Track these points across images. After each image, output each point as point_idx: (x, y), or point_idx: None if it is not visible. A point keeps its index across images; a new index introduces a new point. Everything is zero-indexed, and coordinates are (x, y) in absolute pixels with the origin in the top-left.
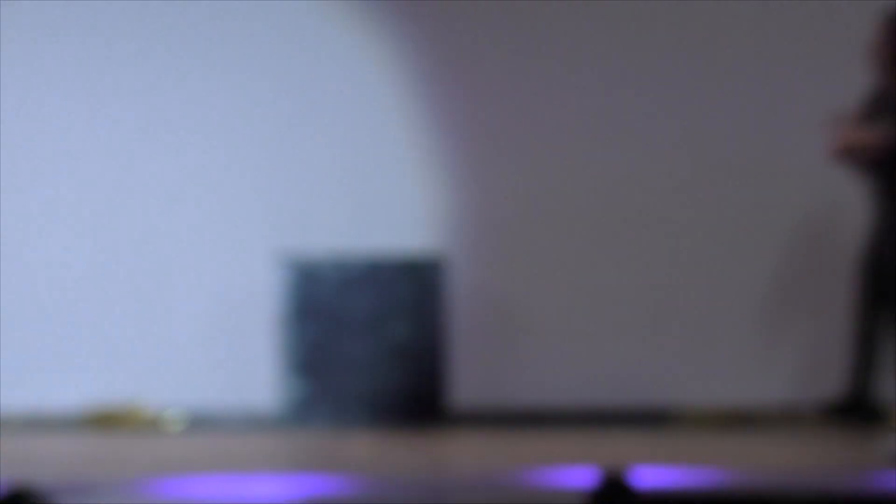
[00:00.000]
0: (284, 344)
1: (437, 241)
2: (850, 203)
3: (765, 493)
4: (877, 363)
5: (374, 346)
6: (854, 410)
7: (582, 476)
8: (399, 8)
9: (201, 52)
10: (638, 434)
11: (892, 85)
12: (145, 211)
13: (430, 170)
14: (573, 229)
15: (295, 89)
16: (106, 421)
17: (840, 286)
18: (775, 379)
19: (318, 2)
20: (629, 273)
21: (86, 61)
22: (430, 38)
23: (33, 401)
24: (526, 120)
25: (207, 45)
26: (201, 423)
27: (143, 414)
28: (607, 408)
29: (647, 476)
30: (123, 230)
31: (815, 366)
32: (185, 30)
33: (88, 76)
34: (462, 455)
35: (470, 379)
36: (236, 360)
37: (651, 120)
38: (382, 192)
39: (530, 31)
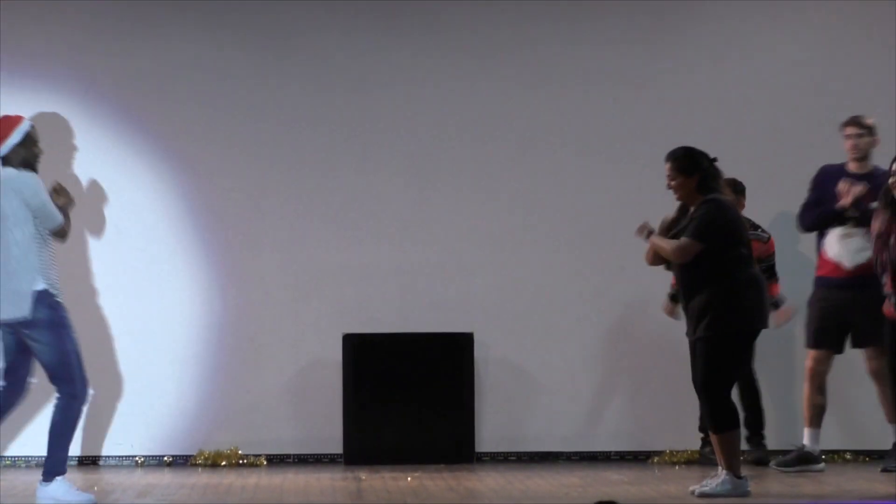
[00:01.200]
0: (349, 401)
1: (467, 321)
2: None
3: None
4: None
5: (418, 403)
6: None
7: None
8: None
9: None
10: (623, 471)
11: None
12: (245, 297)
13: (461, 267)
14: (576, 312)
15: (356, 208)
16: (215, 459)
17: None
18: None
19: None
20: (617, 347)
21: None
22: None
23: (159, 444)
24: (535, 226)
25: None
26: (281, 462)
27: (238, 454)
28: (600, 451)
29: None
30: (230, 313)
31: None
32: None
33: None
34: (487, 488)
35: (493, 428)
36: (310, 413)
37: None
38: (424, 283)
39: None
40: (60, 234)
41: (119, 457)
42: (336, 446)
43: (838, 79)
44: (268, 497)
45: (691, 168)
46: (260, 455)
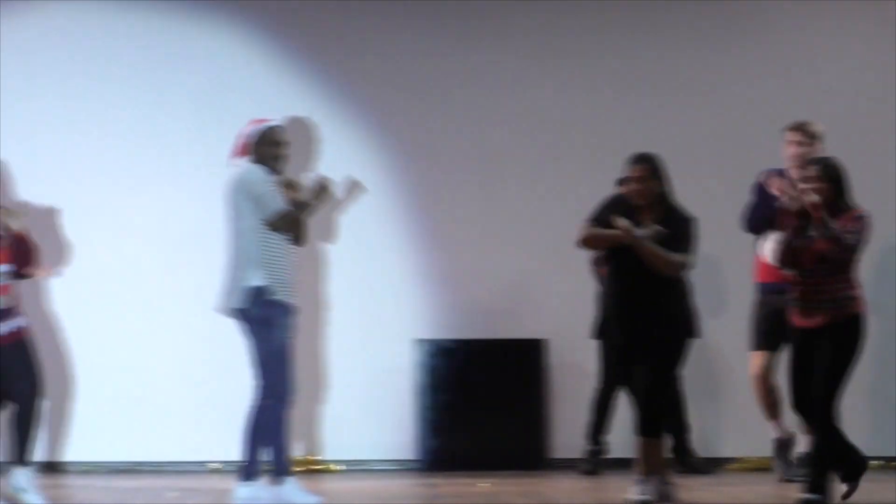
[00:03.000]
0: (422, 407)
1: (540, 327)
2: None
3: None
4: None
5: (491, 409)
6: None
7: None
8: None
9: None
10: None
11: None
12: (318, 302)
13: (536, 272)
14: None
15: (429, 214)
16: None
17: None
18: None
19: None
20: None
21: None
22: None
23: (235, 450)
24: None
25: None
26: (355, 468)
27: (313, 460)
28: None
29: None
30: (305, 319)
31: None
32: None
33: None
34: (561, 494)
35: (566, 434)
36: (383, 419)
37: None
38: (497, 289)
39: None
40: (296, 238)
41: (197, 462)
42: (409, 452)
43: None
44: (342, 502)
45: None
46: (334, 461)
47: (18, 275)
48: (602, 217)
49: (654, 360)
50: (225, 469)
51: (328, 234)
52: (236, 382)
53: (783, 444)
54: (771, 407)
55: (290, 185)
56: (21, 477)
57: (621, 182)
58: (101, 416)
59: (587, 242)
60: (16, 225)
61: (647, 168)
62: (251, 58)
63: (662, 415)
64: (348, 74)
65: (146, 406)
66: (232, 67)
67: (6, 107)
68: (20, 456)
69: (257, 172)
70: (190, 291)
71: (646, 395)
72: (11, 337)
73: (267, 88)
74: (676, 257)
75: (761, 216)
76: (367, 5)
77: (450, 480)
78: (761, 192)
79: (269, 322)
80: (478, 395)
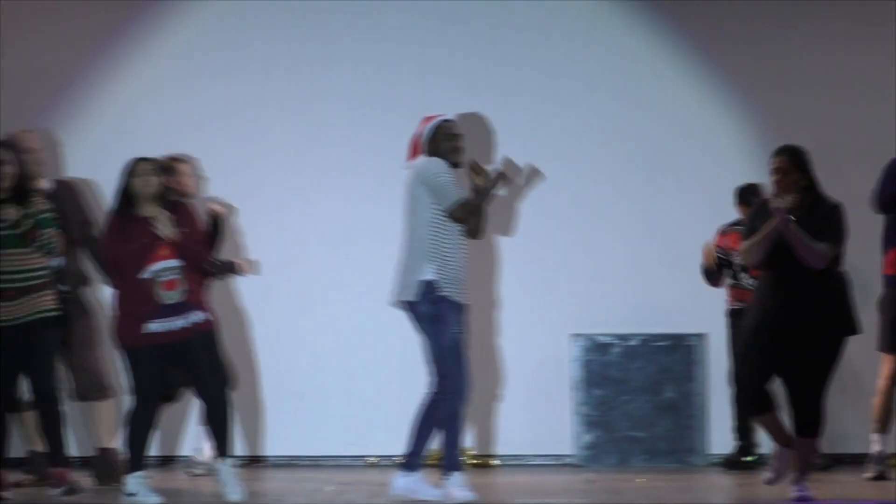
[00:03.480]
0: (579, 402)
1: (698, 322)
2: None
3: None
4: None
5: (649, 404)
6: None
7: None
8: None
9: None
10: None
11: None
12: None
13: (693, 266)
14: None
15: (582, 209)
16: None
17: None
18: None
19: None
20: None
21: None
22: None
23: (391, 444)
24: None
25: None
26: (512, 462)
27: (470, 454)
28: (847, 453)
29: None
30: (479, 320)
31: None
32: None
33: None
34: (718, 490)
35: (725, 430)
36: (540, 414)
37: None
38: (655, 283)
39: None
40: (473, 229)
41: (351, 457)
42: (566, 447)
43: None
44: (500, 497)
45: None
46: (491, 455)
47: (201, 270)
48: (753, 228)
49: (815, 358)
50: (381, 464)
51: (504, 229)
52: (393, 377)
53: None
54: (884, 420)
55: (476, 170)
56: (225, 470)
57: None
58: (262, 413)
59: (751, 254)
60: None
61: (789, 159)
62: (415, 54)
63: (824, 414)
64: (521, 70)
65: (308, 401)
66: (397, 65)
67: (180, 106)
68: (221, 450)
69: (437, 163)
70: (353, 286)
71: (809, 394)
72: (190, 331)
73: (432, 84)
74: (823, 247)
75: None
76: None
77: (605, 476)
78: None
79: (437, 317)
80: (635, 391)
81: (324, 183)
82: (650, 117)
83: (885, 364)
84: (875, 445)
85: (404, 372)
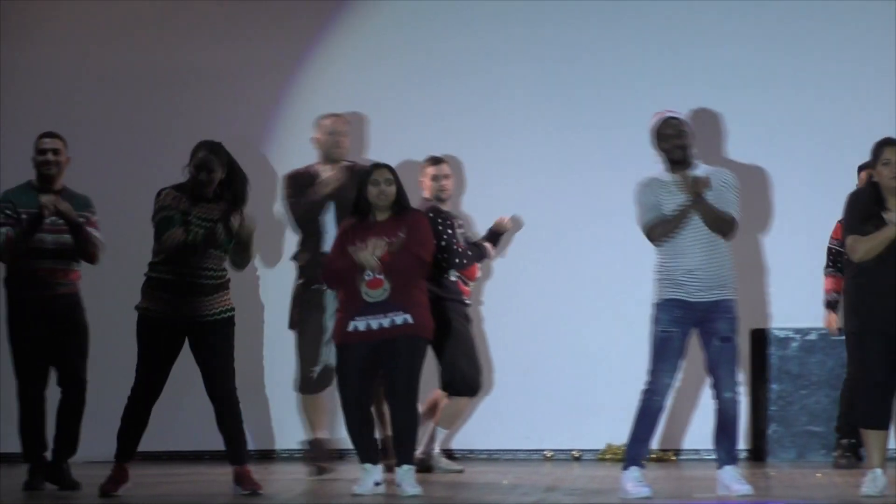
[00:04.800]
0: (756, 397)
1: None
2: None
3: None
4: None
5: (826, 398)
6: None
7: None
8: None
9: None
10: None
11: None
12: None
13: None
14: None
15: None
16: (613, 454)
17: None
18: None
19: None
20: None
21: None
22: None
23: (567, 438)
24: None
25: None
26: (691, 455)
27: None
28: None
29: None
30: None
31: None
32: None
33: None
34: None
35: None
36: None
37: None
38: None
39: None
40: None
41: (527, 450)
42: (742, 441)
43: None
44: (672, 490)
45: None
46: (668, 450)
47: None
48: (860, 223)
49: None
50: (556, 458)
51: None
52: (569, 371)
53: None
54: None
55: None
56: (406, 477)
57: (862, 168)
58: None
59: (868, 253)
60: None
61: None
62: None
63: None
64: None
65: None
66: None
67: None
68: (408, 458)
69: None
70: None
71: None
72: (398, 330)
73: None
74: None
75: None
76: None
77: (782, 471)
78: None
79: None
80: (812, 384)
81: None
82: None
83: None
84: None
85: (579, 366)
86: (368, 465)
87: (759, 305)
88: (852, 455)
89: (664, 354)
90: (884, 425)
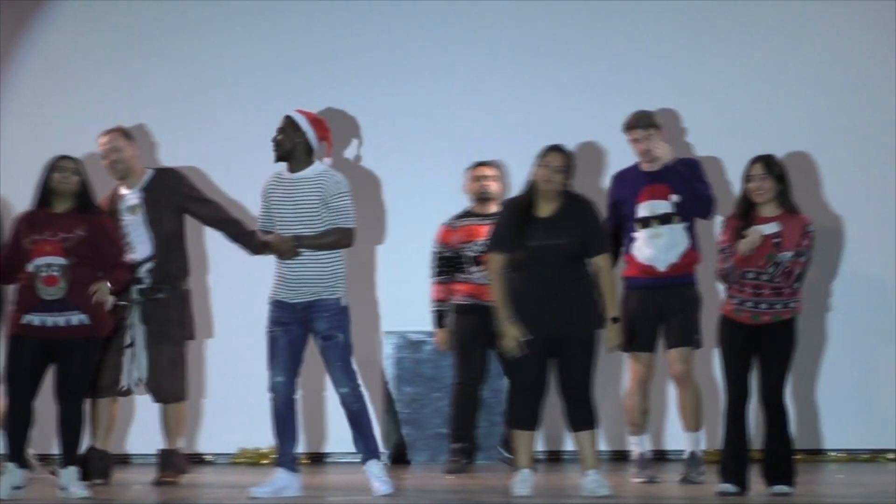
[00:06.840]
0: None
1: None
2: None
3: None
4: None
5: None
6: None
7: None
8: None
9: None
10: None
11: None
12: None
13: None
14: None
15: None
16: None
17: None
18: None
19: None
20: None
21: None
22: None
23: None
24: None
25: None
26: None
27: None
28: None
29: None
30: None
31: None
32: None
33: None
34: None
35: None
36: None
37: None
38: None
39: None
40: None
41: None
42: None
43: None
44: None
45: None
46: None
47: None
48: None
49: (586, 351)
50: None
51: None
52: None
53: None
54: (641, 413)
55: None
56: (71, 478)
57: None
58: None
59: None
60: None
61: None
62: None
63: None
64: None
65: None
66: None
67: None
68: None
69: None
70: None
71: (585, 388)
72: (74, 331)
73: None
74: None
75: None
76: None
77: (416, 473)
78: (617, 192)
79: None
80: (445, 387)
81: None
82: None
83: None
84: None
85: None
86: (13, 466)
87: (398, 308)
88: (462, 458)
89: (272, 353)
90: (532, 426)
